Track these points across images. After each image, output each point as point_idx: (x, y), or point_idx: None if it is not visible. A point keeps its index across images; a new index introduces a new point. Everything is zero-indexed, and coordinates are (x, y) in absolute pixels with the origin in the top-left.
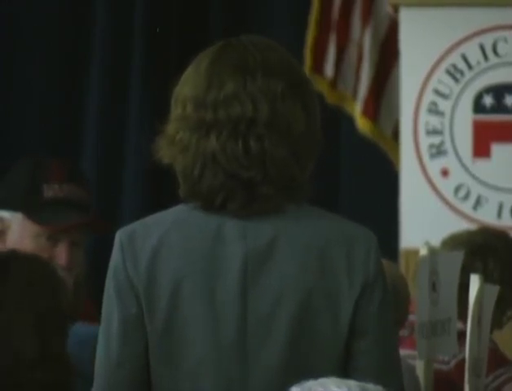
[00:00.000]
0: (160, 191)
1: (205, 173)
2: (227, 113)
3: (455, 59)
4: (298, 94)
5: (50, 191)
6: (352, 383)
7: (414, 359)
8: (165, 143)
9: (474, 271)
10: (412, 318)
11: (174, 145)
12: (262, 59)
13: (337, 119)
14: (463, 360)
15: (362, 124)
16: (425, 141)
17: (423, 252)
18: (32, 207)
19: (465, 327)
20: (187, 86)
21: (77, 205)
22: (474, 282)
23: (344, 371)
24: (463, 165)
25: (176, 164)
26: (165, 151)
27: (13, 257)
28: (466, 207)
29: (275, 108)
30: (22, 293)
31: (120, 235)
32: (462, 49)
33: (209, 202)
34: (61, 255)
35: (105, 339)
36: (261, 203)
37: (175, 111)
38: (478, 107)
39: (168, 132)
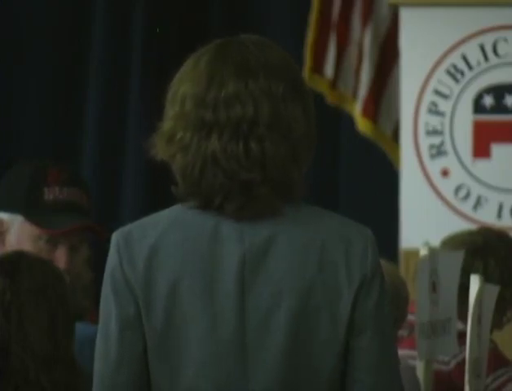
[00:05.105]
0: (160, 190)
1: (205, 173)
2: (228, 114)
3: (455, 59)
4: (299, 95)
5: (50, 194)
6: None
7: (414, 359)
8: (163, 141)
9: (475, 271)
10: (411, 318)
11: (172, 143)
12: (265, 59)
13: (337, 119)
14: (463, 360)
15: (362, 124)
16: (425, 141)
17: (423, 252)
18: (32, 209)
19: (465, 327)
20: (186, 84)
21: (77, 209)
22: (475, 282)
23: (344, 368)
24: (463, 166)
25: (174, 162)
26: (161, 149)
27: (22, 257)
28: (466, 207)
29: (276, 109)
30: (36, 293)
31: (116, 237)
32: (462, 49)
33: (208, 202)
34: (60, 258)
35: (103, 340)
36: (258, 204)
37: (173, 108)
38: (478, 107)
39: (165, 129)
